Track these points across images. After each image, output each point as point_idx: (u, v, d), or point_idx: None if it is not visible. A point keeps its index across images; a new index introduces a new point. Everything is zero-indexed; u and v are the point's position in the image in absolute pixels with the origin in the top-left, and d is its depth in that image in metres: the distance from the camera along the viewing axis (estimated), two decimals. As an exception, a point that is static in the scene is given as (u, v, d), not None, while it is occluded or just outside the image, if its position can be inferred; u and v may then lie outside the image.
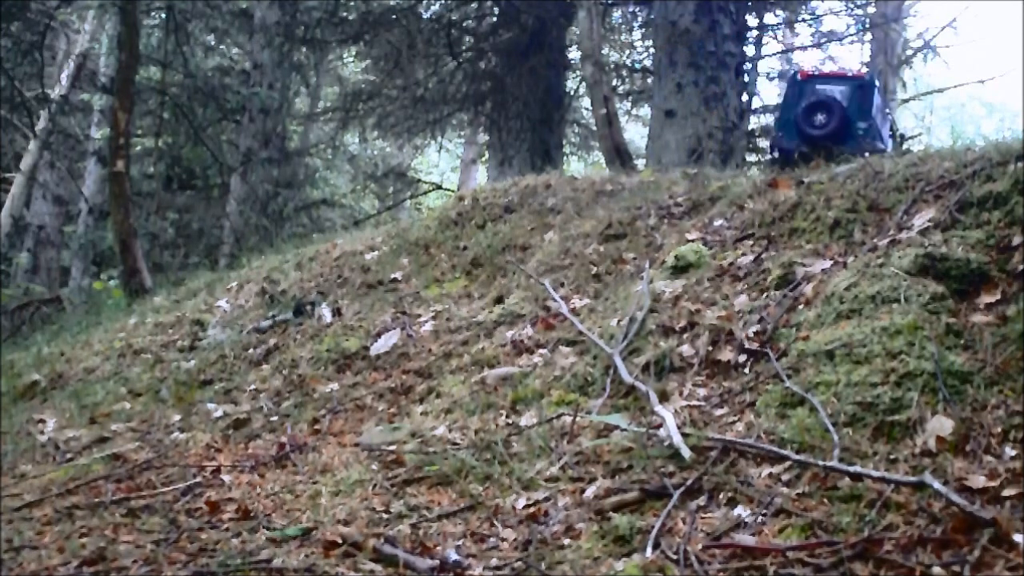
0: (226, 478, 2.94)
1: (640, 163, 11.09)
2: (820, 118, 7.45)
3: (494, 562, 2.01)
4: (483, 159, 18.24)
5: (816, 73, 8.45)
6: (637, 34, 15.90)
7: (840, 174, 4.20)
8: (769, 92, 21.54)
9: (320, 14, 13.11)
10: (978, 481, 1.94)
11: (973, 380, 2.33)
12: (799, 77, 8.18)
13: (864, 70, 10.82)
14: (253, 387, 4.22)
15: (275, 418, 3.68)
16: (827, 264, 3.30)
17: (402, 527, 2.29)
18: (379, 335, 4.39)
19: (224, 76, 14.48)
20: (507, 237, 5.51)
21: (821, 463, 2.10)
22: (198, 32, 14.27)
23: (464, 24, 14.05)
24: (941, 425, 2.18)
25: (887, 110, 9.47)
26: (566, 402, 3.06)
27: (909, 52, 15.61)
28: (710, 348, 3.07)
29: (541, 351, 3.61)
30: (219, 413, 3.86)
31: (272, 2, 13.01)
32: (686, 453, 2.37)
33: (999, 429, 2.13)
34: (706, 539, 1.95)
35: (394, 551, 2.08)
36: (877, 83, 8.52)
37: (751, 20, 13.20)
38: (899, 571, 1.68)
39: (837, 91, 7.70)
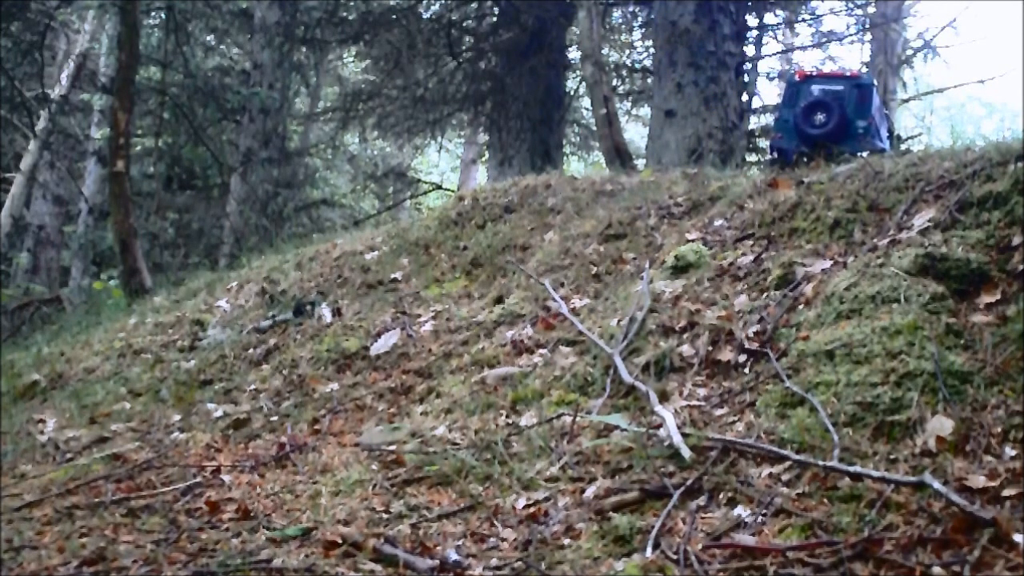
0: (226, 478, 2.94)
1: (640, 163, 11.09)
2: (819, 118, 7.46)
3: (494, 562, 2.01)
4: (483, 159, 18.23)
5: (814, 73, 8.46)
6: (637, 34, 15.90)
7: (840, 174, 4.20)
8: (769, 92, 21.57)
9: (320, 14, 13.10)
10: (978, 481, 1.93)
11: (973, 380, 2.33)
12: (797, 77, 8.19)
13: (862, 69, 10.82)
14: (253, 387, 4.22)
15: (275, 418, 3.68)
16: (827, 264, 3.30)
17: (402, 527, 2.29)
18: (379, 335, 4.39)
19: (224, 76, 14.47)
20: (507, 237, 5.51)
21: (821, 463, 2.10)
22: (198, 32, 14.27)
23: (464, 24, 14.05)
24: (941, 425, 2.18)
25: (885, 110, 9.47)
26: (566, 402, 3.06)
27: (909, 52, 15.59)
28: (710, 348, 3.07)
29: (541, 351, 3.61)
30: (219, 413, 3.86)
31: (272, 2, 13.01)
32: (686, 453, 2.37)
33: (999, 429, 2.13)
34: (706, 539, 1.95)
35: (394, 551, 2.08)
36: (875, 82, 8.52)
37: (751, 20, 13.19)
38: (899, 571, 1.68)
39: (836, 91, 7.71)
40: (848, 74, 8.46)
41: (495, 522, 2.26)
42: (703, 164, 7.70)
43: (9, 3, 10.81)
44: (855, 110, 7.56)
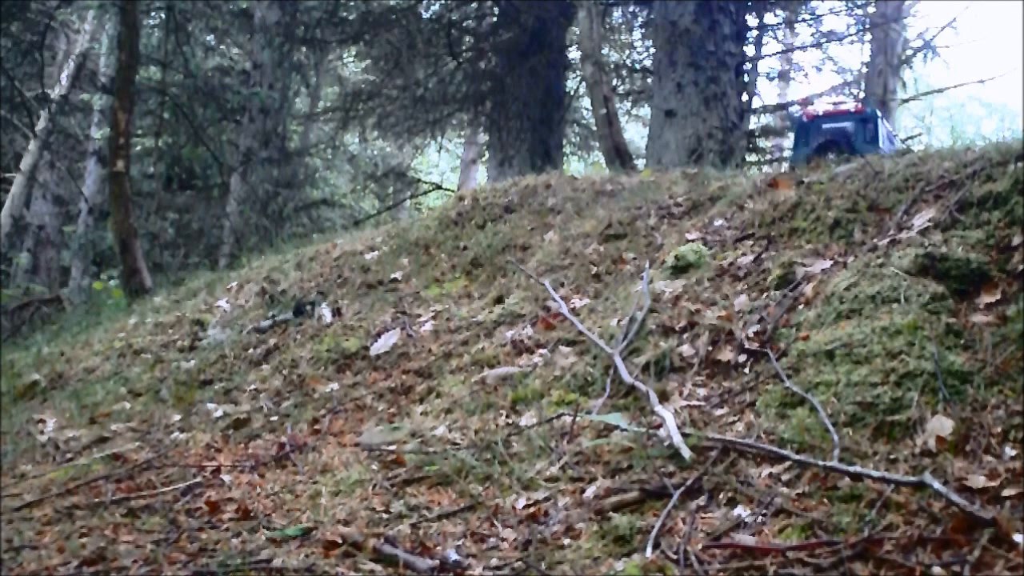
0: (226, 478, 2.94)
1: (640, 163, 11.10)
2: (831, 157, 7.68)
3: (494, 562, 2.01)
4: (483, 159, 18.24)
5: (821, 113, 8.73)
6: (637, 34, 15.90)
7: (840, 174, 4.20)
8: (769, 92, 21.56)
9: (320, 14, 13.11)
10: (978, 481, 1.93)
11: (973, 380, 2.33)
12: (804, 119, 8.41)
13: (862, 106, 11.05)
14: (253, 387, 4.22)
15: (275, 418, 3.68)
16: (827, 264, 3.30)
17: (402, 527, 2.29)
18: (379, 335, 4.39)
19: (224, 76, 14.48)
20: (507, 237, 5.51)
21: (821, 463, 2.10)
22: (198, 32, 14.27)
23: (464, 24, 14.05)
24: (941, 425, 2.18)
25: (894, 133, 9.62)
26: (566, 402, 3.06)
27: (909, 52, 15.58)
28: (710, 348, 3.07)
29: (541, 351, 3.61)
30: (219, 413, 3.86)
31: (272, 2, 13.01)
32: (686, 453, 2.36)
33: (999, 429, 2.13)
34: (706, 539, 1.95)
35: (394, 551, 2.08)
36: (880, 113, 8.75)
37: (751, 20, 13.19)
38: (899, 571, 1.68)
39: (843, 128, 7.91)
40: (853, 110, 8.70)
41: (495, 522, 2.26)
42: (703, 164, 7.73)
43: (9, 3, 10.81)
44: (864, 145, 7.78)
